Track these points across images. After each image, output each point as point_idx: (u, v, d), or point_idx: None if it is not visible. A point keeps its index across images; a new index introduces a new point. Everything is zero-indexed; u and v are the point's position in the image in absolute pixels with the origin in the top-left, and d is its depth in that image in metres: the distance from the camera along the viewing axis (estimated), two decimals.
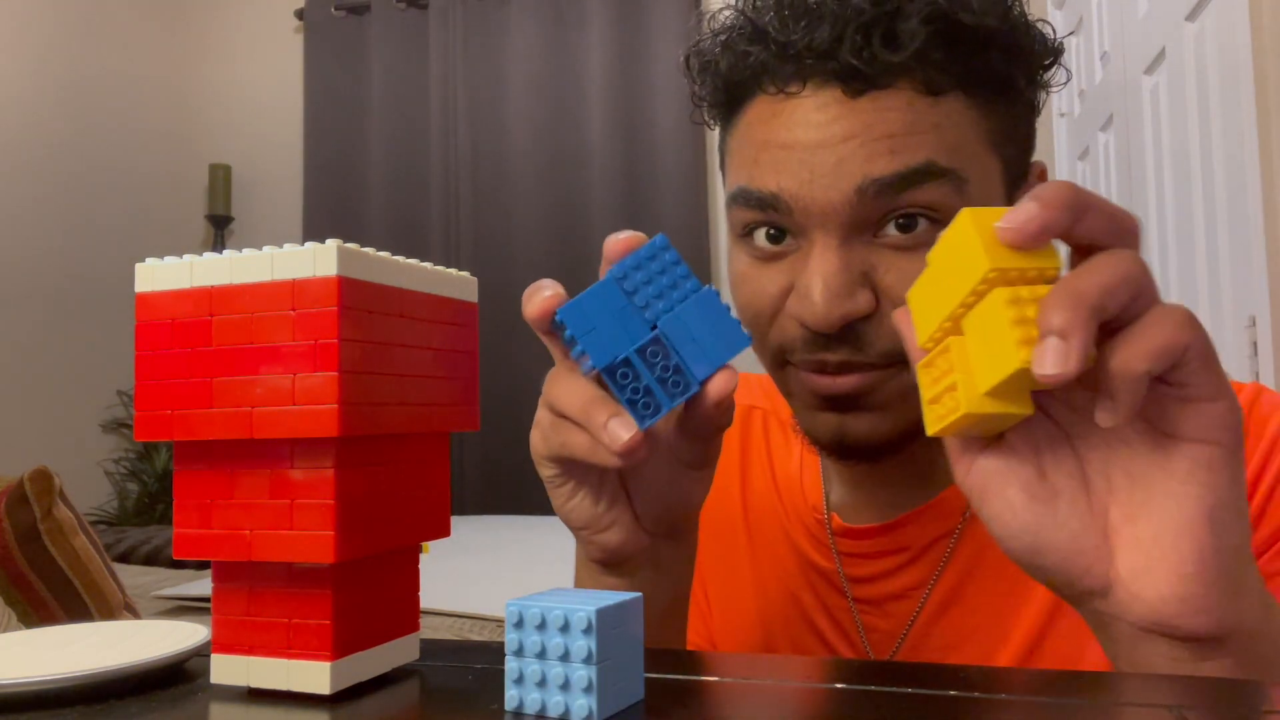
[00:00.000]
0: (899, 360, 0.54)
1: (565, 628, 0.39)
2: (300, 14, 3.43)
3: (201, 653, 0.65)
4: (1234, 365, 1.30)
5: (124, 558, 2.36)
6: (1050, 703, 0.46)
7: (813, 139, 0.53)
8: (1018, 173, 0.58)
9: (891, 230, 0.54)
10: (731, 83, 0.58)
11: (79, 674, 0.55)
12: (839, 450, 0.60)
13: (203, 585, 1.79)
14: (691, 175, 2.96)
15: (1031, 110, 0.59)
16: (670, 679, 0.54)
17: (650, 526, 0.52)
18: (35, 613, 1.28)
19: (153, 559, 2.33)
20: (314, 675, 0.52)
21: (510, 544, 2.25)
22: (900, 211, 0.53)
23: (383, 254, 0.56)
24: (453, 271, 0.62)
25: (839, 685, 0.51)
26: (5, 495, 1.27)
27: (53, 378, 2.97)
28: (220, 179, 3.38)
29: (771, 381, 0.63)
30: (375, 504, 0.54)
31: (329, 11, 3.37)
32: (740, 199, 0.57)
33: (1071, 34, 2.30)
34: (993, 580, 0.61)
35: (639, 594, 0.39)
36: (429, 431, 0.58)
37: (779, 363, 0.60)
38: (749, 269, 0.59)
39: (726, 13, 0.57)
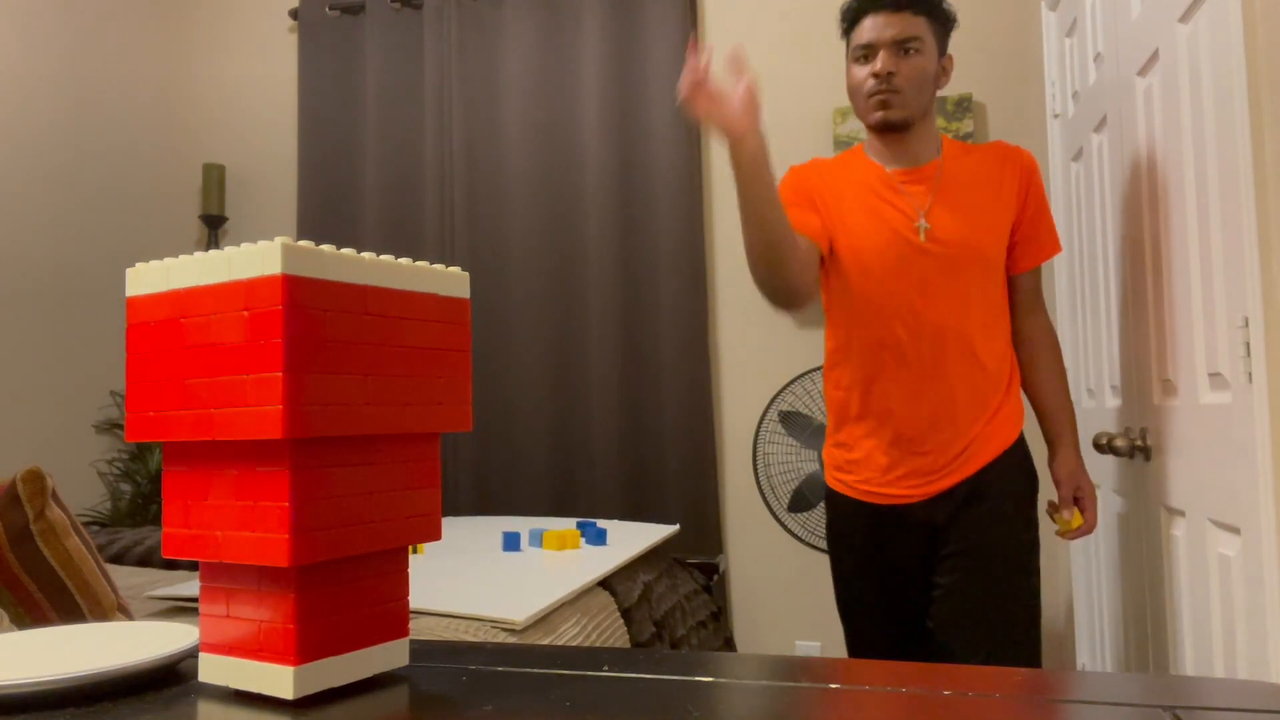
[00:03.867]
0: (904, 89, 1.63)
1: None
2: (295, 13, 3.42)
3: (193, 654, 0.64)
4: (1227, 365, 1.30)
5: (117, 559, 2.35)
6: (1049, 703, 0.46)
7: (881, 24, 1.63)
8: (943, 49, 1.69)
9: (904, 51, 1.63)
10: (855, 11, 1.66)
11: (72, 676, 0.55)
12: (884, 126, 1.66)
13: (195, 586, 1.78)
14: (687, 174, 2.96)
15: (946, 31, 1.68)
16: (680, 679, 0.54)
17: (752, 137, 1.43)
18: (28, 614, 1.27)
19: (146, 560, 2.32)
20: (279, 679, 0.51)
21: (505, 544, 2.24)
22: (905, 45, 1.62)
23: (345, 251, 0.54)
24: (439, 267, 0.60)
25: (833, 685, 0.51)
26: None
27: (45, 378, 2.96)
28: (214, 179, 3.37)
29: (813, 162, 1.77)
30: (346, 507, 0.53)
31: (323, 11, 3.36)
32: (859, 46, 1.65)
33: (1066, 36, 2.30)
34: (960, 181, 1.68)
35: None
36: (412, 432, 0.57)
37: (864, 98, 1.65)
38: (857, 69, 1.66)
39: None
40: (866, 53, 1.63)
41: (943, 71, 1.68)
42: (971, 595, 1.62)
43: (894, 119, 1.63)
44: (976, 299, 1.64)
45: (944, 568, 1.66)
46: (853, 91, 1.68)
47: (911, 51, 1.61)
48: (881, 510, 1.70)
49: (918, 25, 1.62)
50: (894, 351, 1.65)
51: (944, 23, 1.67)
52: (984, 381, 1.65)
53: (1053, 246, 1.73)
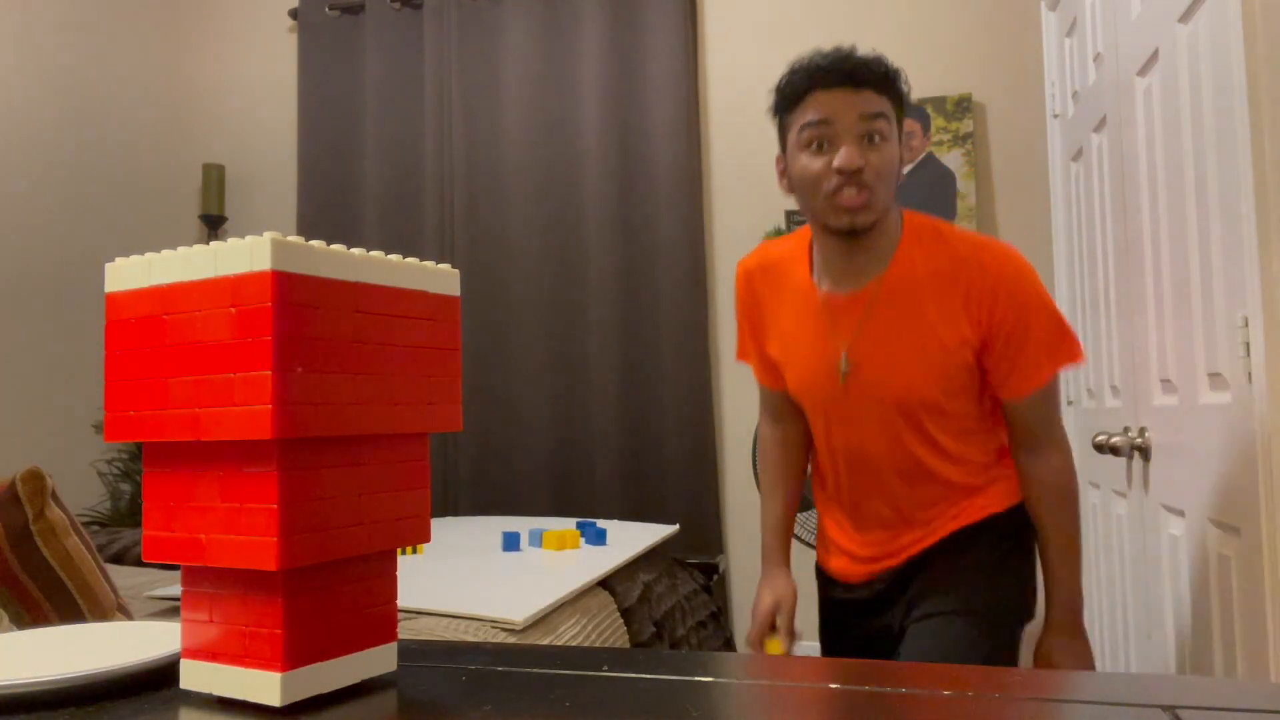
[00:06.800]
0: (874, 187, 1.30)
1: None
2: (294, 13, 3.42)
3: None
4: (1227, 365, 1.30)
5: (117, 559, 2.34)
6: (1048, 703, 0.46)
7: (841, 101, 1.30)
8: (900, 120, 1.37)
9: (868, 140, 1.31)
10: (797, 87, 1.34)
11: (72, 677, 0.55)
12: (851, 230, 1.33)
13: None
14: (687, 173, 2.96)
15: (902, 105, 1.37)
16: (680, 680, 0.54)
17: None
18: (27, 614, 1.27)
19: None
20: (266, 686, 0.50)
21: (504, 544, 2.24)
22: (869, 131, 1.30)
23: (335, 247, 0.52)
24: (429, 264, 0.59)
25: (833, 686, 0.51)
26: None
27: (45, 378, 2.96)
28: (214, 179, 3.37)
29: (761, 257, 1.53)
30: (334, 508, 0.52)
31: (323, 11, 3.36)
32: (809, 125, 1.32)
33: (1066, 36, 2.30)
34: (897, 304, 1.37)
35: None
36: (402, 432, 0.56)
37: (822, 198, 1.32)
38: (809, 159, 1.33)
39: (801, 58, 1.36)
40: (821, 135, 1.30)
41: (905, 150, 1.63)
42: (932, 643, 1.40)
43: (862, 225, 1.32)
44: (916, 435, 1.40)
45: (908, 631, 1.46)
46: (806, 186, 1.33)
47: (878, 138, 1.30)
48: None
49: (882, 105, 1.31)
50: (831, 473, 1.52)
51: (903, 105, 1.38)
52: (939, 492, 1.44)
53: (1038, 378, 1.36)
